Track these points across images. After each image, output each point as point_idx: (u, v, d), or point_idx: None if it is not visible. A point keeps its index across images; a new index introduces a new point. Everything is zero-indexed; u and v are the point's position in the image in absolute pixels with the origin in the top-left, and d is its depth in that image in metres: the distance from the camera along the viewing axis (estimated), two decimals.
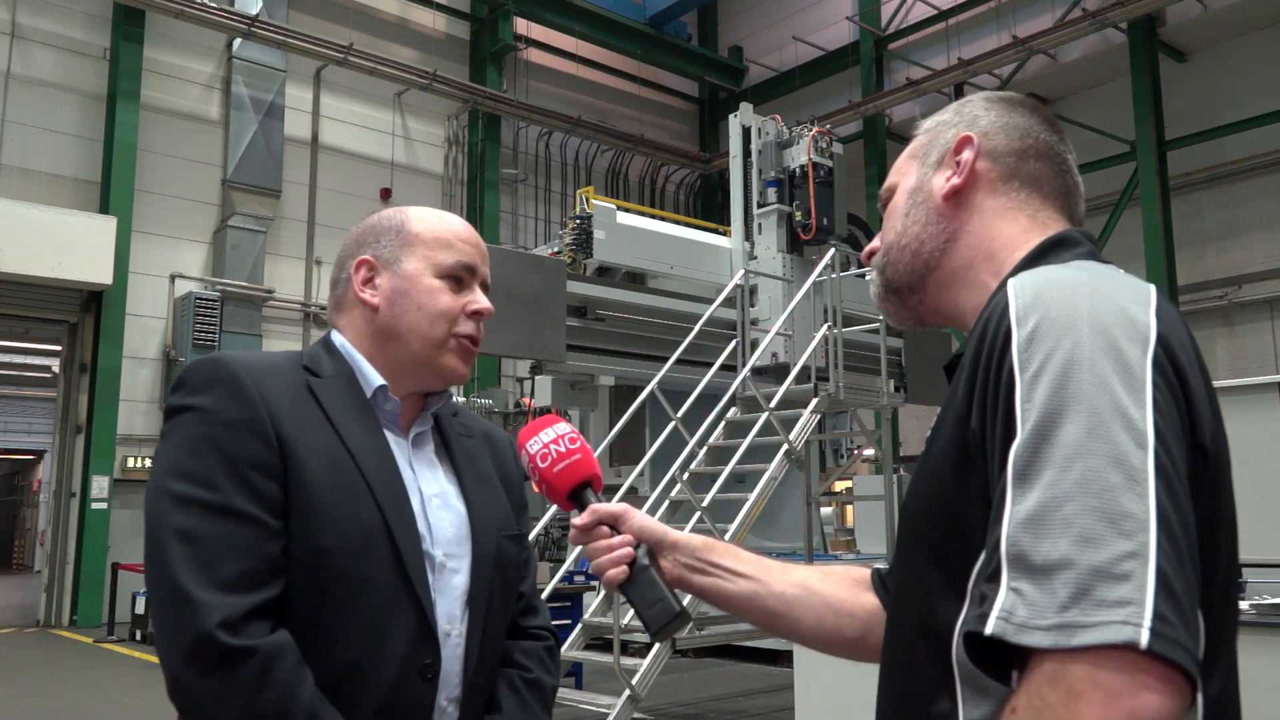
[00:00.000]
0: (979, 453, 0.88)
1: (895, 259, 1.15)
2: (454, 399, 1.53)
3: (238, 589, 1.18)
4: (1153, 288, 0.91)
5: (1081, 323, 0.84)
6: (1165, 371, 0.83)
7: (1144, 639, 0.71)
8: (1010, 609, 0.76)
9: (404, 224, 1.44)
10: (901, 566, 1.01)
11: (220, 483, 1.22)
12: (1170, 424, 0.81)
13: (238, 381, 1.28)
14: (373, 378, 1.39)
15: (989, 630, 0.76)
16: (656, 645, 6.08)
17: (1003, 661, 0.79)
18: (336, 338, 1.44)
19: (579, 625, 6.77)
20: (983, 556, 0.85)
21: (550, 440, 1.31)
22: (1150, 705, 0.71)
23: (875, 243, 1.20)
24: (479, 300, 1.43)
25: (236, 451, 1.24)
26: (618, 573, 1.24)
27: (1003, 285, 0.93)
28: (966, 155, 1.11)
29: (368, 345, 1.41)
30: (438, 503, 1.38)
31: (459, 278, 1.42)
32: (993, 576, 0.79)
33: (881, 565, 1.24)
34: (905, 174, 1.18)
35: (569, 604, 7.95)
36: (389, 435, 1.38)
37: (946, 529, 0.92)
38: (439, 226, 1.44)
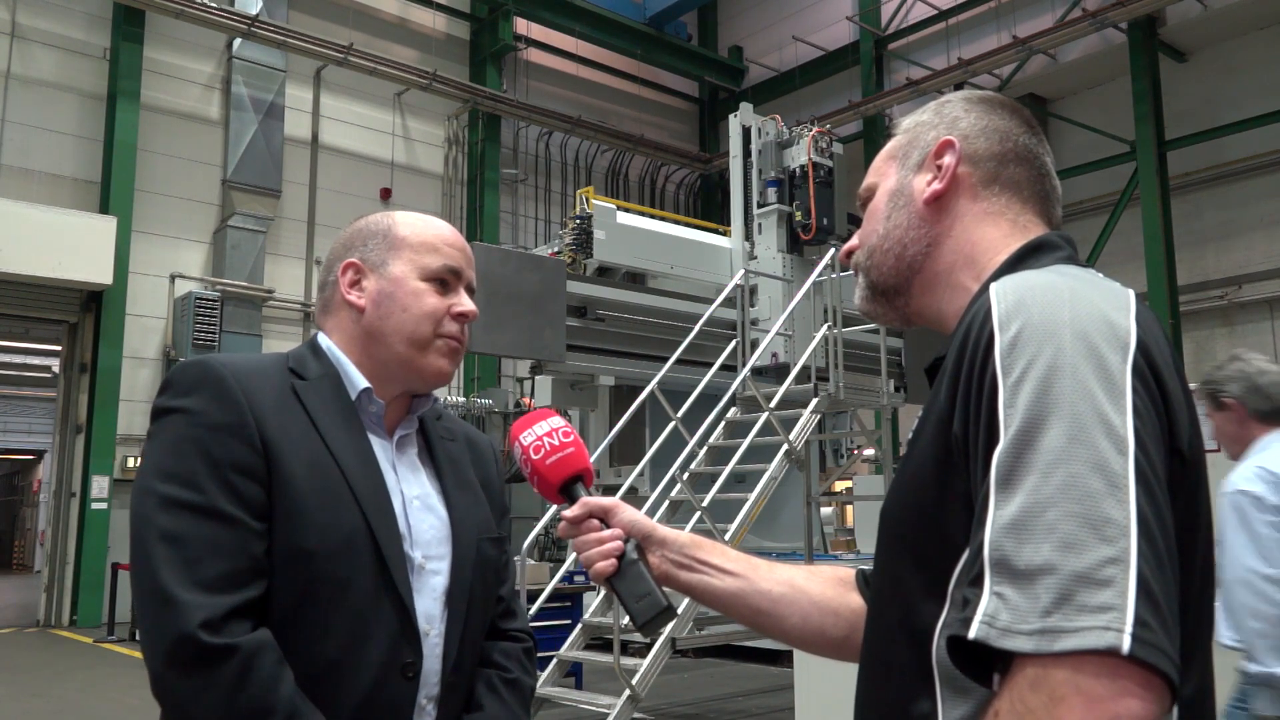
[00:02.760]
0: (961, 456, 0.88)
1: (879, 262, 1.15)
2: (439, 402, 1.54)
3: (220, 589, 1.20)
4: (1131, 292, 0.92)
5: (1063, 329, 0.84)
6: (1145, 377, 0.84)
7: (1125, 644, 0.71)
8: (993, 613, 0.76)
9: (391, 228, 1.46)
10: (881, 567, 1.02)
11: (204, 484, 1.24)
12: (1150, 430, 0.81)
13: (224, 385, 1.30)
14: (357, 380, 1.40)
15: (972, 634, 0.77)
16: (656, 645, 6.09)
17: (984, 664, 0.79)
18: (323, 340, 1.45)
19: (579, 625, 6.77)
20: (964, 560, 0.86)
21: (544, 433, 1.33)
22: (1131, 710, 0.72)
23: (854, 241, 1.20)
24: (464, 303, 1.44)
25: (221, 454, 1.25)
26: (606, 565, 1.25)
27: (984, 289, 0.94)
28: (948, 160, 1.11)
29: (354, 347, 1.43)
30: (419, 505, 1.40)
31: (444, 280, 1.44)
32: (975, 580, 0.79)
33: (867, 566, 1.25)
34: (885, 175, 1.18)
35: (569, 604, 7.94)
36: (373, 438, 1.39)
37: (927, 531, 0.92)
38: (425, 231, 1.46)
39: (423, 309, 1.41)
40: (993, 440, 0.83)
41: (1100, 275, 0.96)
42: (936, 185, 1.11)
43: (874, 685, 0.99)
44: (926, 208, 1.12)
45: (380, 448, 1.39)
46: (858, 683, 1.03)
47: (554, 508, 7.18)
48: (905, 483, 0.97)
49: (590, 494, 1.32)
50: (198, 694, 1.17)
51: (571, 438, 1.33)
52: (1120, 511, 0.76)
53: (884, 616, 0.99)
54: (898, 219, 1.14)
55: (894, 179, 1.16)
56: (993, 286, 0.92)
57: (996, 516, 0.79)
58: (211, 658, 1.17)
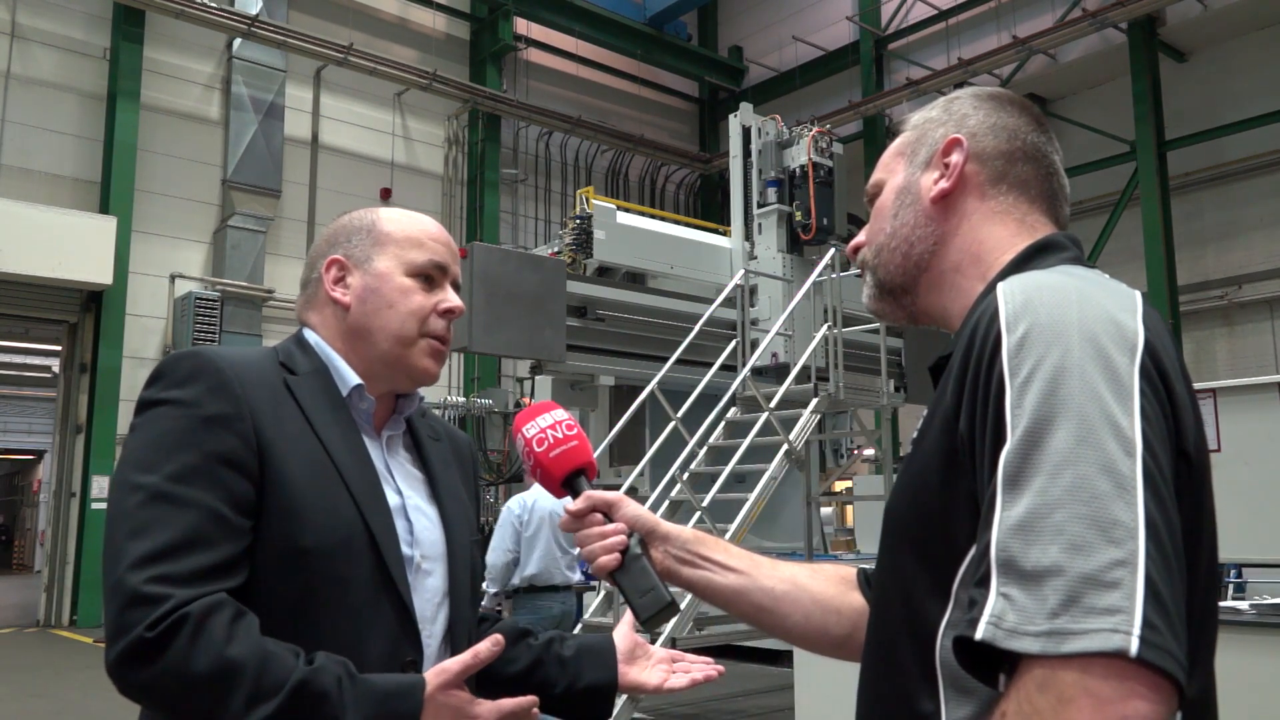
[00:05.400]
0: (967, 456, 0.88)
1: (886, 260, 1.15)
2: (423, 401, 1.52)
3: (194, 581, 1.15)
4: (1138, 294, 0.91)
5: (1071, 330, 0.84)
6: (1152, 379, 0.84)
7: (1133, 647, 0.71)
8: (1000, 614, 0.76)
9: (375, 223, 1.44)
10: (885, 566, 1.01)
11: (190, 478, 1.19)
12: (1157, 432, 0.81)
13: (222, 377, 1.26)
14: (349, 377, 1.38)
15: (979, 635, 0.76)
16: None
17: (990, 665, 0.79)
18: (310, 334, 1.43)
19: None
20: (969, 559, 0.86)
21: (548, 425, 1.31)
22: (1139, 711, 0.71)
23: (861, 238, 1.20)
24: (450, 299, 1.43)
25: (212, 447, 1.21)
26: (610, 559, 1.25)
27: (991, 288, 0.93)
28: (955, 158, 1.11)
29: (339, 344, 1.41)
30: (413, 504, 1.39)
31: (430, 276, 1.42)
32: (982, 581, 0.79)
33: (868, 566, 1.24)
34: (893, 171, 1.17)
35: None
36: (364, 437, 1.38)
37: (931, 530, 0.92)
38: (410, 226, 1.44)
39: (408, 306, 1.39)
40: (1000, 440, 0.82)
41: (1106, 276, 0.96)
42: (944, 184, 1.11)
43: (876, 685, 0.99)
44: (934, 206, 1.11)
45: (371, 446, 1.38)
46: (859, 682, 1.03)
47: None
48: (910, 482, 0.97)
49: (593, 488, 1.31)
50: (153, 675, 1.10)
51: (575, 430, 1.32)
52: (1128, 514, 0.76)
53: (887, 616, 0.99)
54: (905, 217, 1.13)
55: (901, 176, 1.16)
56: (1000, 286, 0.91)
57: (1003, 517, 0.79)
58: (163, 627, 1.10)
